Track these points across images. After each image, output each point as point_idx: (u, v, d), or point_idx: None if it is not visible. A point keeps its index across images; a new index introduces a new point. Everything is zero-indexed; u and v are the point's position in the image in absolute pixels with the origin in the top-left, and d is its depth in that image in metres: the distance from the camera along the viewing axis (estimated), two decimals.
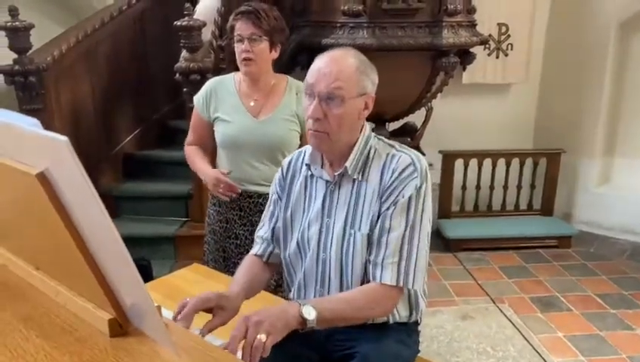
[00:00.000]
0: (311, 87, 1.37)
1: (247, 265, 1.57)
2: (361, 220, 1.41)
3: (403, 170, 1.38)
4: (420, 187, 1.38)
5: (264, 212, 1.65)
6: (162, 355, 0.92)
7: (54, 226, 0.91)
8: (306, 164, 1.51)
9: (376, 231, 1.39)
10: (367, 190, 1.42)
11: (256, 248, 1.61)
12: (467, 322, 3.16)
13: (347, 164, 1.42)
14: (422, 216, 1.39)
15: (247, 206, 2.18)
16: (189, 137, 2.29)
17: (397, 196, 1.37)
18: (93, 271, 0.92)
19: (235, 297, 1.39)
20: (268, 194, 2.09)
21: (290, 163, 1.60)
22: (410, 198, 1.37)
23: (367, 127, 1.47)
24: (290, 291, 1.59)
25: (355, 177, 1.43)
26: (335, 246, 1.44)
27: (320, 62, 1.38)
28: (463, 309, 3.30)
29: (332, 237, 1.45)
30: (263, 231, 1.62)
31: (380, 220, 1.38)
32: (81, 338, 0.95)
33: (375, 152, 1.44)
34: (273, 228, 1.58)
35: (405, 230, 1.37)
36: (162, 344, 0.93)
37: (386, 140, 1.48)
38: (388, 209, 1.38)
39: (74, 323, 0.99)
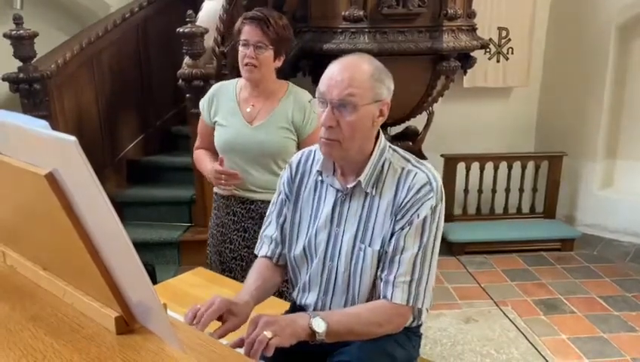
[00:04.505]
0: (323, 95, 1.35)
1: (258, 270, 1.55)
2: (372, 235, 1.40)
3: (419, 189, 1.36)
4: (435, 207, 1.37)
5: (269, 209, 1.63)
6: (168, 352, 0.93)
7: (62, 226, 0.92)
8: (318, 171, 1.49)
9: (390, 249, 1.37)
10: (380, 205, 1.40)
11: (265, 249, 1.59)
12: (470, 325, 3.16)
13: (361, 178, 1.40)
14: (435, 236, 1.39)
15: (239, 211, 2.18)
16: (197, 142, 2.31)
17: (412, 216, 1.36)
18: (100, 270, 0.93)
19: (245, 305, 1.39)
20: (260, 200, 2.12)
21: (299, 163, 1.57)
22: (425, 219, 1.36)
23: (383, 138, 1.45)
24: (293, 289, 1.60)
25: (368, 191, 1.41)
26: (344, 258, 1.43)
27: (332, 69, 1.36)
28: (466, 312, 3.30)
29: (340, 247, 1.44)
30: (270, 230, 1.59)
31: (393, 238, 1.37)
32: (88, 336, 0.97)
33: (390, 166, 1.41)
34: (282, 227, 1.57)
35: (419, 251, 1.36)
36: (168, 341, 0.94)
37: (401, 152, 1.46)
38: (402, 228, 1.37)
39: (81, 322, 1.00)
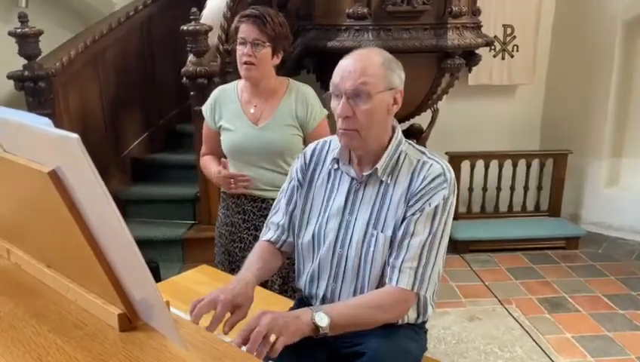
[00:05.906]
0: (337, 87, 1.39)
1: (259, 252, 1.57)
2: (385, 222, 1.43)
3: (433, 179, 1.40)
4: (447, 198, 1.41)
5: (278, 197, 1.64)
6: (171, 349, 0.94)
7: (66, 223, 0.93)
8: (335, 158, 1.52)
9: (399, 234, 1.40)
10: (394, 193, 1.43)
11: (269, 234, 1.60)
12: (474, 323, 3.16)
13: (378, 165, 1.43)
14: (444, 227, 1.42)
15: (250, 210, 2.19)
16: (203, 148, 2.31)
17: (424, 203, 1.39)
18: (103, 267, 0.94)
19: (247, 285, 1.40)
20: (271, 198, 2.09)
21: (314, 151, 1.60)
22: (436, 208, 1.40)
23: (399, 131, 1.49)
24: (299, 279, 1.60)
25: (383, 179, 1.44)
26: (355, 244, 1.45)
27: (345, 62, 1.40)
28: (470, 310, 3.29)
29: (352, 234, 1.46)
30: (278, 217, 1.60)
31: (404, 224, 1.40)
32: (91, 333, 0.97)
33: (405, 157, 1.45)
34: (291, 215, 1.58)
35: (427, 237, 1.39)
36: (171, 338, 0.94)
37: (416, 146, 1.50)
38: (414, 214, 1.40)
39: (85, 319, 1.01)
